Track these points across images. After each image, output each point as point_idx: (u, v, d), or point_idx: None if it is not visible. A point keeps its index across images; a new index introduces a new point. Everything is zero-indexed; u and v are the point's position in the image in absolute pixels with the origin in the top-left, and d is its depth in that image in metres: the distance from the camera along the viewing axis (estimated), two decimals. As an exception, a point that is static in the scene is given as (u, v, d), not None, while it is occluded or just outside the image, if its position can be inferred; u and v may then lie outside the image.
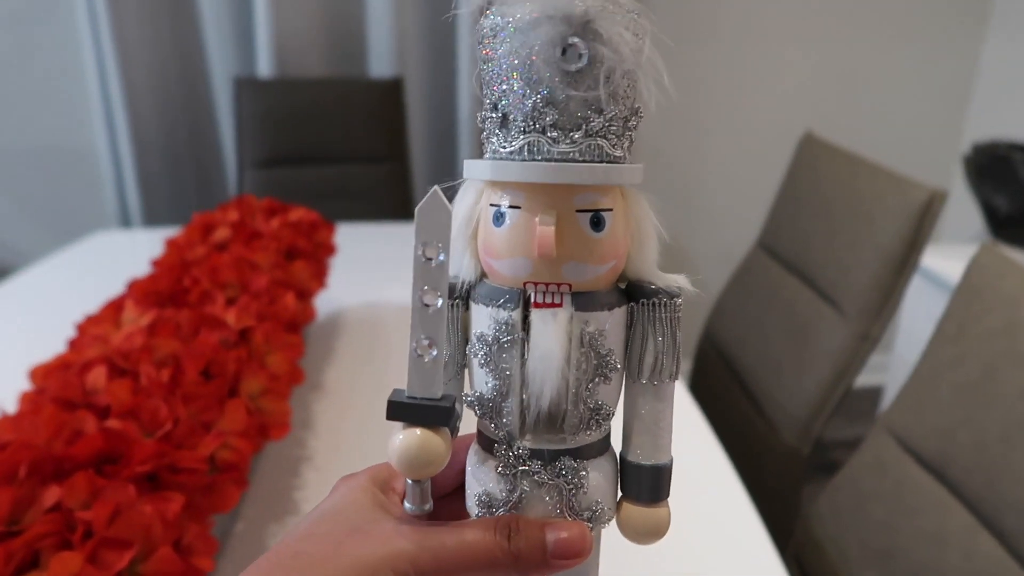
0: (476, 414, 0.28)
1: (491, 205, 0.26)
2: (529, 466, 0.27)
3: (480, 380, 0.27)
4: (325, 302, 1.23)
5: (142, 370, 0.65)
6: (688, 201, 2.20)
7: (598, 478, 0.28)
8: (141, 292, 0.80)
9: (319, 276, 1.02)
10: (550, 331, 0.26)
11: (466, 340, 0.28)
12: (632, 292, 0.28)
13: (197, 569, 0.53)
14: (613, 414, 0.29)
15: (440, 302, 0.25)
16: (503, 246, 0.26)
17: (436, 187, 0.25)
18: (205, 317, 0.75)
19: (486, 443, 0.29)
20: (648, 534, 0.29)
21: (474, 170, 0.26)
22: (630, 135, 0.26)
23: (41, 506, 0.50)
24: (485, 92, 0.26)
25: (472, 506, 0.29)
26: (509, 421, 0.27)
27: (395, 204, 1.85)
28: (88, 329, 0.75)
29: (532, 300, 0.26)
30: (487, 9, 0.25)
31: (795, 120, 1.84)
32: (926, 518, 0.74)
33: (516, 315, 0.26)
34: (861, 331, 1.07)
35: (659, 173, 2.17)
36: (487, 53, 0.25)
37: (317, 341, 1.14)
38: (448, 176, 0.28)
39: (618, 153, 0.25)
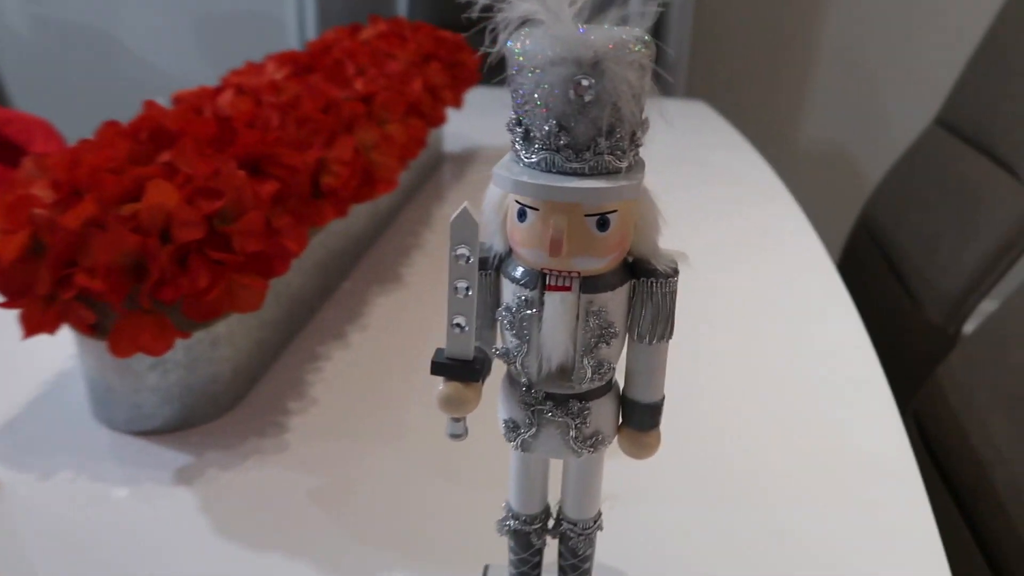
0: (504, 362, 0.34)
1: (516, 201, 0.31)
2: (544, 406, 0.34)
3: (507, 338, 0.34)
4: (469, 139, 1.26)
5: (265, 97, 0.69)
6: (856, 92, 2.03)
7: (600, 414, 0.34)
8: (282, 56, 0.84)
9: (453, 89, 1.04)
10: (558, 313, 0.31)
11: (497, 303, 0.34)
12: (636, 269, 0.33)
13: (284, 248, 0.56)
14: (615, 368, 0.35)
15: (470, 290, 0.32)
16: (524, 238, 0.31)
17: (466, 203, 0.31)
18: (334, 76, 0.79)
19: (513, 380, 0.35)
20: (641, 454, 0.35)
21: (500, 182, 0.31)
22: (636, 147, 0.31)
23: (155, 163, 0.55)
24: (513, 105, 0.31)
25: (501, 424, 0.36)
26: (528, 372, 0.33)
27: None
28: (231, 79, 0.80)
29: (547, 282, 0.31)
30: (518, 32, 0.29)
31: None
32: (1072, 357, 0.65)
33: (534, 294, 0.32)
34: (1039, 198, 0.94)
35: (829, 66, 2.01)
36: (514, 75, 0.30)
37: (452, 164, 1.18)
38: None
39: (624, 164, 0.30)
